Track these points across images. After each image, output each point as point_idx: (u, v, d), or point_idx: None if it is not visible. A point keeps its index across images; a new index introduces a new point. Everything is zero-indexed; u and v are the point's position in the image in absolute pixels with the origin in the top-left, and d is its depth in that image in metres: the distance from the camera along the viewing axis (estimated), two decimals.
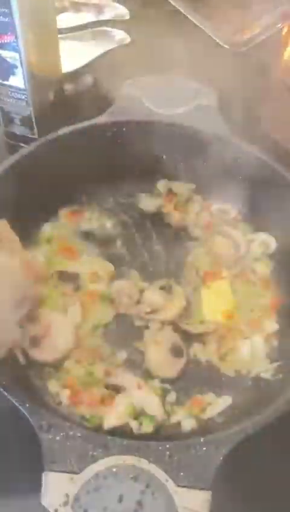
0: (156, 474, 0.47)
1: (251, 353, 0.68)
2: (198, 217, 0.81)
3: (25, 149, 0.73)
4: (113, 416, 0.60)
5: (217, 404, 0.63)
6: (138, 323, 0.70)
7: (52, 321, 0.66)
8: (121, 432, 0.59)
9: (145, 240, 0.80)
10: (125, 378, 0.64)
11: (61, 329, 0.66)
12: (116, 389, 0.63)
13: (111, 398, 0.62)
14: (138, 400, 0.61)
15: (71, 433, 0.49)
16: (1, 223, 0.65)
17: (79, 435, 0.49)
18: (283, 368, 0.66)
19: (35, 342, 0.65)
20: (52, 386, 0.64)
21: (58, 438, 0.49)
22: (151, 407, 0.61)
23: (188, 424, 0.62)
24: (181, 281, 0.74)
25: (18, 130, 0.87)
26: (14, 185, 0.70)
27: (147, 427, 0.60)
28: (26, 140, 0.86)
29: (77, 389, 0.63)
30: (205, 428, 0.61)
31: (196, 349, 0.68)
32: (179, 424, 0.62)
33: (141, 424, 0.60)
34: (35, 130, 0.86)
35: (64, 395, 0.62)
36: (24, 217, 0.70)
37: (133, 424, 0.60)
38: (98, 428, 0.59)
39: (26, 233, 0.72)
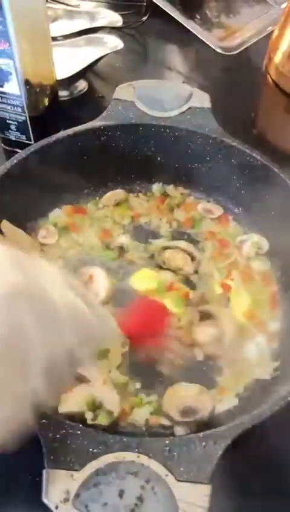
0: (156, 470, 0.47)
1: (257, 354, 0.69)
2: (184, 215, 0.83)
3: (21, 153, 0.74)
4: (70, 402, 0.61)
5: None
6: None
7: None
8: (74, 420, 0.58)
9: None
10: (93, 371, 0.65)
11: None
12: (80, 379, 0.64)
13: (72, 386, 0.63)
14: (99, 394, 0.62)
15: (71, 431, 0.50)
16: (3, 223, 0.70)
17: (79, 432, 0.50)
18: (281, 367, 0.67)
19: None
20: None
21: (58, 436, 0.49)
22: (110, 403, 0.62)
23: (181, 430, 0.62)
24: None
25: (14, 136, 0.88)
26: (10, 189, 0.71)
27: (103, 420, 0.60)
28: (22, 146, 0.87)
29: None
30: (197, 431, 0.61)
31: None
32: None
33: (96, 416, 0.60)
34: (31, 135, 0.87)
35: None
36: (19, 219, 0.73)
37: (88, 415, 0.60)
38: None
39: None
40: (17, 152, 0.75)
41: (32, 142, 0.86)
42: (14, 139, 0.89)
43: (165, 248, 0.77)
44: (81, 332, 0.42)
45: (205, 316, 0.71)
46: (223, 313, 0.71)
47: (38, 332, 0.37)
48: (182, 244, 0.77)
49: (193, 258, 0.76)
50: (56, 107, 0.89)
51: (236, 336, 0.70)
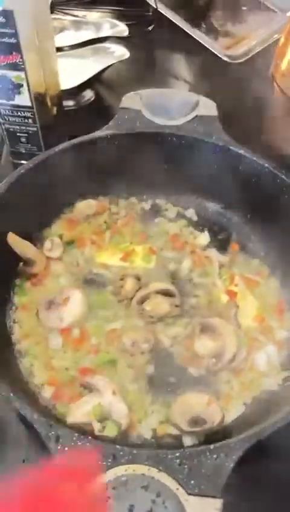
0: (167, 483, 0.46)
1: (267, 364, 0.69)
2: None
3: (26, 164, 0.74)
4: (78, 413, 0.61)
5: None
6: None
7: (72, 295, 0.71)
8: (83, 431, 0.59)
9: None
10: (102, 380, 0.64)
11: (76, 304, 0.71)
12: (89, 389, 0.64)
13: (81, 395, 0.63)
14: (107, 404, 0.61)
15: (80, 443, 0.49)
16: (10, 235, 0.70)
17: (88, 444, 0.49)
18: None
19: (49, 305, 0.70)
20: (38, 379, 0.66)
21: (66, 448, 0.49)
22: (119, 413, 0.61)
23: (189, 440, 0.61)
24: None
25: (24, 148, 0.88)
26: (16, 200, 0.71)
27: (111, 431, 0.59)
28: (32, 157, 0.87)
29: (59, 386, 0.65)
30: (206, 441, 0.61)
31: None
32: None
33: (104, 427, 0.59)
34: (42, 146, 0.87)
35: (48, 392, 0.64)
36: (26, 226, 0.74)
37: (96, 425, 0.59)
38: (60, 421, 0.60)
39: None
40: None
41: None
42: (24, 151, 0.89)
43: (143, 300, 0.73)
44: None
45: (206, 328, 0.70)
46: (223, 325, 0.70)
47: None
48: (154, 287, 0.73)
49: (171, 294, 0.73)
50: (63, 117, 0.90)
51: (243, 346, 0.69)
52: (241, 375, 0.68)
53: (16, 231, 0.72)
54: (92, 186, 0.82)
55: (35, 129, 0.84)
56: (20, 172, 0.72)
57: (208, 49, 1.09)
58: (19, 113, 0.82)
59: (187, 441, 0.61)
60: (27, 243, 0.75)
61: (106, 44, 1.05)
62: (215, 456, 0.48)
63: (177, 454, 0.48)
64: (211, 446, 0.49)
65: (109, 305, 0.74)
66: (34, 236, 0.78)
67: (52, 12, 1.19)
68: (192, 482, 0.47)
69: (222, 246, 0.82)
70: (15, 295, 0.73)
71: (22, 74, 0.76)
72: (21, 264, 0.75)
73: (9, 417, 0.63)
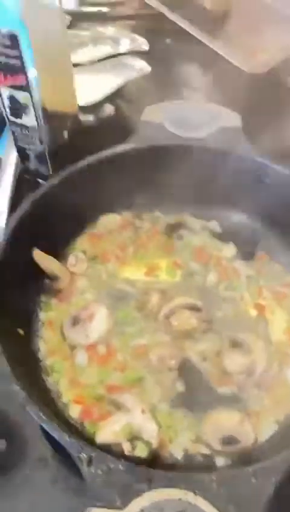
0: (204, 508, 0.45)
1: None
2: None
3: (52, 180, 0.74)
4: (108, 432, 0.60)
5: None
6: None
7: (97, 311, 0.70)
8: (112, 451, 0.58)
9: None
10: (130, 399, 0.63)
11: (101, 321, 0.70)
12: (118, 407, 0.63)
13: (109, 414, 0.62)
14: (137, 423, 0.60)
15: (113, 466, 0.48)
16: (36, 253, 0.71)
17: (121, 467, 0.48)
18: None
19: (74, 321, 0.70)
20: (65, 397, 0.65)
21: (99, 471, 0.47)
22: (149, 433, 0.60)
23: (222, 460, 0.60)
24: None
25: (33, 165, 0.88)
26: (39, 217, 0.71)
27: (141, 452, 0.58)
28: (42, 176, 0.88)
29: (86, 404, 0.64)
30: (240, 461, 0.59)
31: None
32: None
33: (134, 447, 0.58)
34: (49, 166, 0.87)
35: (75, 411, 0.63)
36: (51, 242, 0.74)
37: (126, 445, 0.58)
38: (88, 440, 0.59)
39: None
40: (37, 180, 0.75)
41: (50, 172, 0.87)
42: (33, 168, 0.89)
43: (169, 315, 0.71)
44: None
45: (235, 344, 0.69)
46: (253, 340, 0.69)
47: None
48: (181, 301, 0.72)
49: (197, 308, 0.72)
50: (78, 134, 0.89)
51: (274, 361, 0.67)
52: (272, 392, 0.66)
53: (40, 247, 0.72)
54: (116, 201, 0.82)
55: (42, 149, 0.84)
56: (44, 189, 0.72)
57: (227, 60, 1.09)
58: (27, 132, 0.82)
59: (220, 461, 0.60)
60: (52, 258, 0.75)
61: (126, 59, 1.06)
62: (253, 479, 0.46)
63: (214, 477, 0.46)
64: (250, 469, 0.47)
65: (135, 320, 0.73)
66: (58, 252, 0.77)
67: (70, 28, 1.21)
68: (230, 506, 0.45)
69: (248, 257, 0.80)
70: (41, 311, 0.73)
71: (28, 95, 0.76)
72: (46, 280, 0.75)
73: (34, 434, 0.62)
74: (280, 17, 1.15)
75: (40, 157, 0.86)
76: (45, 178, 0.88)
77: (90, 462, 0.48)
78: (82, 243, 0.81)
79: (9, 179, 0.90)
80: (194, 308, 0.72)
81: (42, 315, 0.73)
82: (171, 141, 0.79)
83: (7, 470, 0.60)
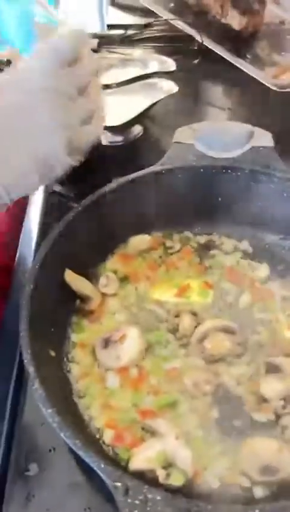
0: None
1: None
2: None
3: (84, 201, 0.74)
4: (142, 459, 0.58)
5: None
6: None
7: (129, 333, 0.69)
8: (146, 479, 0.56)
9: None
10: (164, 424, 0.61)
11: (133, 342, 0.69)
12: (151, 432, 0.61)
13: (142, 439, 0.61)
14: (171, 449, 0.58)
15: (150, 496, 0.46)
16: (67, 273, 0.72)
17: (159, 498, 0.46)
18: None
19: (106, 343, 0.69)
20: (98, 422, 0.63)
21: (136, 501, 0.46)
22: (183, 460, 0.58)
23: (261, 490, 0.57)
24: None
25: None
26: (70, 239, 0.72)
27: (176, 480, 0.56)
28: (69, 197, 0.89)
29: (119, 429, 0.62)
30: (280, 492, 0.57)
31: None
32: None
33: (168, 475, 0.56)
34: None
35: (108, 436, 0.62)
36: (82, 263, 0.74)
37: (161, 473, 0.56)
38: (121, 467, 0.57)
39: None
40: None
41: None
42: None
43: (203, 338, 0.70)
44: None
45: (272, 368, 0.67)
46: None
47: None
48: (214, 324, 0.70)
49: (231, 331, 0.70)
50: (107, 156, 0.89)
51: None
52: None
53: (72, 268, 0.72)
54: (146, 222, 0.81)
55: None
56: (76, 211, 0.73)
57: (255, 79, 1.09)
58: None
59: (258, 492, 0.57)
60: (83, 279, 0.74)
61: (153, 80, 1.06)
62: None
63: (257, 511, 0.44)
64: None
65: (167, 343, 0.71)
66: (89, 273, 0.77)
67: (98, 51, 1.23)
68: None
69: (282, 277, 0.78)
70: (72, 333, 0.72)
71: None
72: (78, 301, 0.74)
73: (66, 459, 0.61)
74: None
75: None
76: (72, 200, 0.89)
77: (126, 491, 0.47)
78: (113, 264, 0.80)
79: (39, 203, 0.91)
80: (228, 331, 0.70)
81: (74, 336, 0.72)
82: (203, 162, 0.78)
83: (39, 495, 0.59)
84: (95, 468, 0.49)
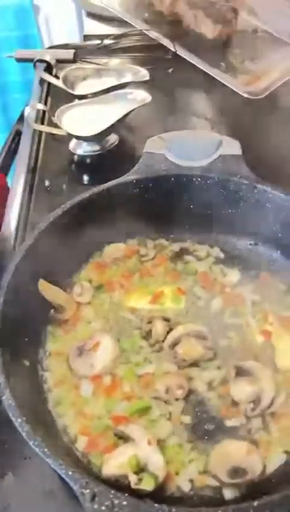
0: None
1: None
2: None
3: (57, 211, 0.75)
4: (114, 464, 0.59)
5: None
6: None
7: (102, 341, 0.70)
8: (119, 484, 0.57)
9: None
10: (136, 430, 0.62)
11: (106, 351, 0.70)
12: (124, 438, 0.62)
13: (115, 445, 0.62)
14: (143, 454, 0.59)
15: (116, 501, 0.47)
16: (41, 283, 0.72)
17: (125, 503, 0.47)
18: None
19: (80, 352, 0.70)
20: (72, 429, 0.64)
21: (103, 507, 0.47)
22: (155, 465, 0.59)
23: (230, 492, 0.59)
24: None
25: None
26: (44, 248, 0.72)
27: (147, 485, 0.57)
28: None
29: (93, 435, 0.63)
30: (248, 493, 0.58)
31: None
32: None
33: (140, 479, 0.57)
34: None
35: (82, 443, 0.63)
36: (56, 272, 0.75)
37: (133, 478, 0.57)
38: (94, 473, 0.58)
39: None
40: None
41: None
42: None
43: (175, 343, 0.71)
44: None
45: (242, 372, 0.68)
46: (260, 368, 0.68)
47: None
48: (186, 329, 0.72)
49: (203, 336, 0.71)
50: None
51: (282, 389, 0.66)
52: (281, 421, 0.65)
53: (46, 278, 0.73)
54: (120, 230, 0.83)
55: None
56: (49, 220, 0.74)
57: (228, 87, 1.11)
58: None
59: (228, 493, 0.59)
60: (57, 289, 0.75)
61: (128, 90, 1.08)
62: None
63: None
64: (255, 503, 0.47)
65: (140, 349, 0.73)
66: (63, 282, 0.78)
67: (74, 62, 1.24)
68: None
69: (252, 280, 0.80)
70: (47, 342, 0.73)
71: None
72: (52, 310, 0.75)
73: (40, 467, 0.61)
74: (278, 44, 1.17)
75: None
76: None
77: (93, 498, 0.48)
78: (87, 273, 0.82)
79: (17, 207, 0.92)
80: (199, 336, 0.72)
81: (48, 345, 0.73)
82: (173, 171, 0.80)
83: (15, 503, 0.60)
84: (62, 476, 0.50)
